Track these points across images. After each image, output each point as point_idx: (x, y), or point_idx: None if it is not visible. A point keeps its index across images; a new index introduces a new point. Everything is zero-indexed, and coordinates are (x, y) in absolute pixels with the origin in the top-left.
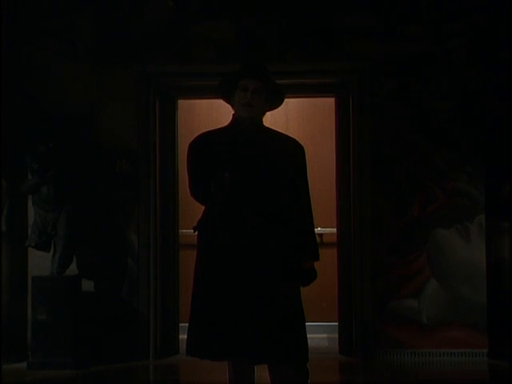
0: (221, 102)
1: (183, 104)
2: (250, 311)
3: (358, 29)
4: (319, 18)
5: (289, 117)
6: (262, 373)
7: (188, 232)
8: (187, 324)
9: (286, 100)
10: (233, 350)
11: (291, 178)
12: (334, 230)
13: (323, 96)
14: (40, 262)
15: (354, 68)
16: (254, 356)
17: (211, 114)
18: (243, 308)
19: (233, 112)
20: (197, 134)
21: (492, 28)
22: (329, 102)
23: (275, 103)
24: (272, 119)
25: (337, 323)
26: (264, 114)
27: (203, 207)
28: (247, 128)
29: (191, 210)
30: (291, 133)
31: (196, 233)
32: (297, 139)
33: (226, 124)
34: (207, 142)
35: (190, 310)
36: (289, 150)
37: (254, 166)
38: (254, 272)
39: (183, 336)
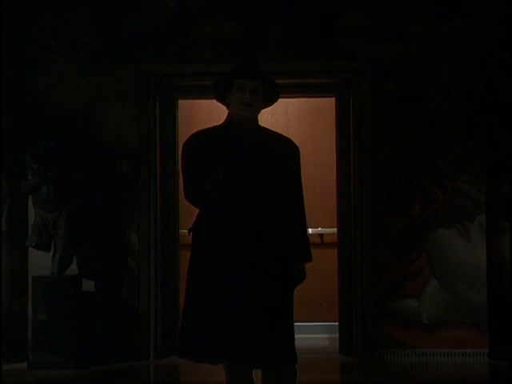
0: None
1: (183, 104)
2: (241, 313)
3: (358, 29)
4: (319, 19)
5: (289, 117)
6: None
7: None
8: None
9: (286, 100)
10: (223, 353)
11: (285, 178)
12: (334, 229)
13: (323, 96)
14: (40, 262)
15: (354, 68)
16: (242, 359)
17: (211, 113)
18: (234, 309)
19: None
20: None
21: (492, 28)
22: (329, 102)
23: (271, 101)
24: (272, 119)
25: (337, 323)
26: (259, 112)
27: None
28: (243, 127)
29: (191, 210)
30: (291, 133)
31: (190, 234)
32: (292, 138)
33: (221, 123)
34: (201, 140)
35: (182, 312)
36: (284, 150)
37: (249, 165)
38: (247, 273)
39: None
